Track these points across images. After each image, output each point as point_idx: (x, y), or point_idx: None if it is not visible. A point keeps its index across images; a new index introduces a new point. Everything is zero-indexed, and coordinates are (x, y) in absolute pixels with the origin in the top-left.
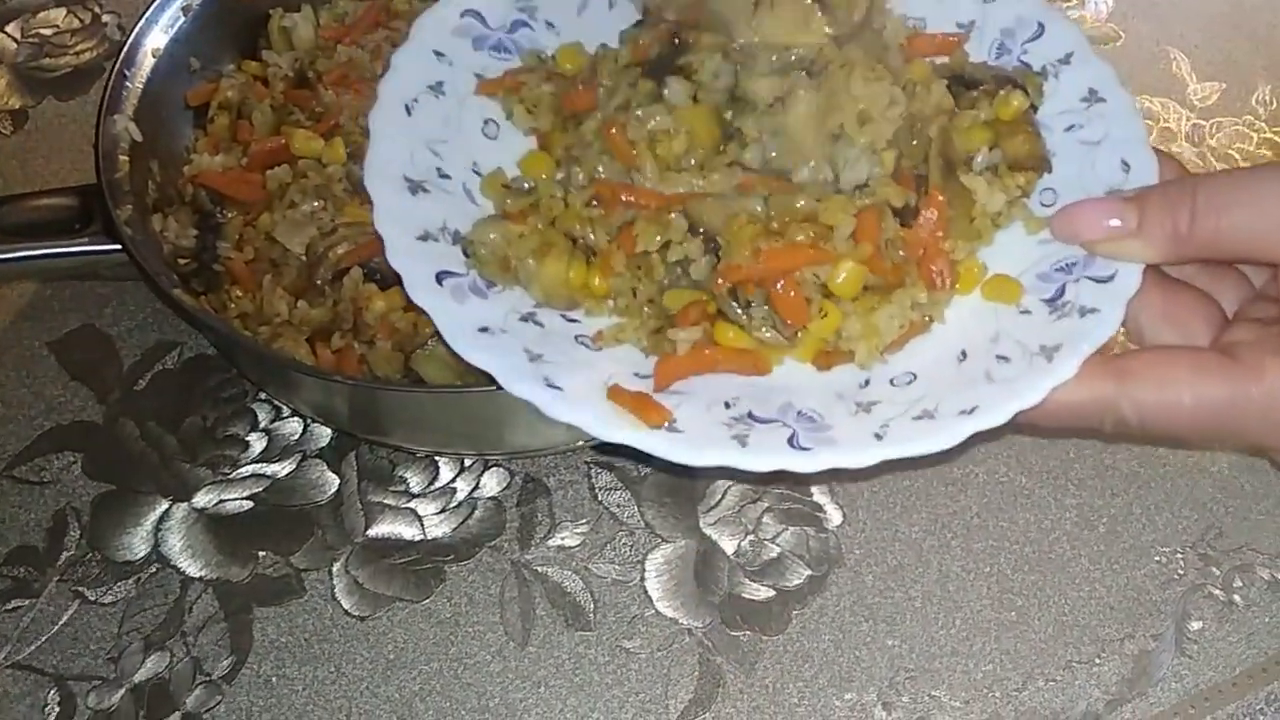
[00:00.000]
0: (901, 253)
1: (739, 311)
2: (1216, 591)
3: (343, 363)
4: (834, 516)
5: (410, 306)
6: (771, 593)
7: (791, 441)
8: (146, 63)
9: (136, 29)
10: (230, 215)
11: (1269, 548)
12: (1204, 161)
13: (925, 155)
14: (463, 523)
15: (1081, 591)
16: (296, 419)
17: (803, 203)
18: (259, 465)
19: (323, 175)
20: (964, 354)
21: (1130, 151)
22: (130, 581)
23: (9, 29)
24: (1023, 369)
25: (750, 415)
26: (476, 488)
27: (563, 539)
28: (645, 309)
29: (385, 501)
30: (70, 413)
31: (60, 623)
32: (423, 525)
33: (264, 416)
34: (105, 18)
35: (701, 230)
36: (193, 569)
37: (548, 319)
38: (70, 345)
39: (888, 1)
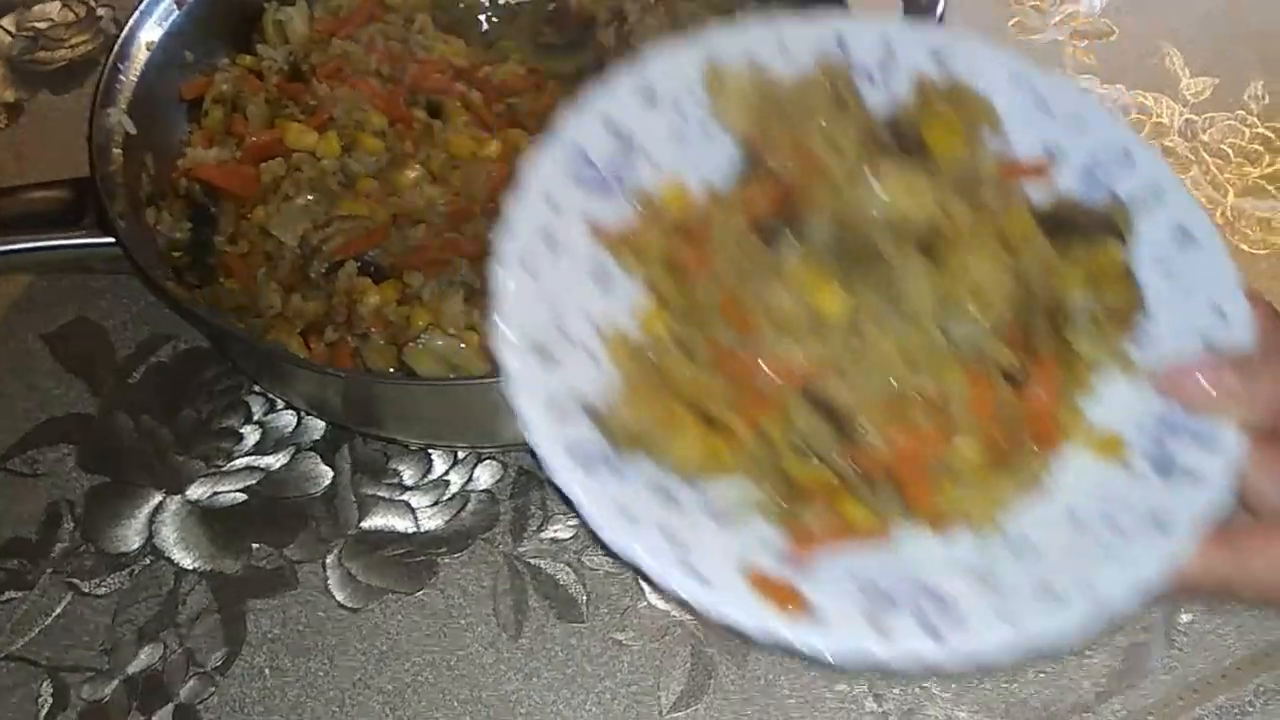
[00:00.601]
0: (1014, 417)
1: (867, 491)
2: None
3: (336, 356)
4: None
5: (404, 300)
6: None
7: (924, 624)
8: (141, 56)
9: (131, 22)
10: (224, 209)
11: None
12: (1196, 156)
13: (1032, 310)
14: (456, 515)
15: None
16: (290, 412)
17: (924, 378)
18: (253, 458)
19: (317, 169)
20: (1076, 517)
21: (1225, 299)
22: (124, 573)
23: (3, 22)
24: (1139, 542)
25: (882, 593)
26: (470, 480)
27: (555, 531)
28: (770, 477)
29: (379, 494)
30: (64, 405)
31: (53, 614)
32: (416, 518)
33: (258, 409)
34: (100, 11)
35: (830, 407)
36: (186, 561)
37: (677, 491)
38: (64, 338)
39: (984, 138)
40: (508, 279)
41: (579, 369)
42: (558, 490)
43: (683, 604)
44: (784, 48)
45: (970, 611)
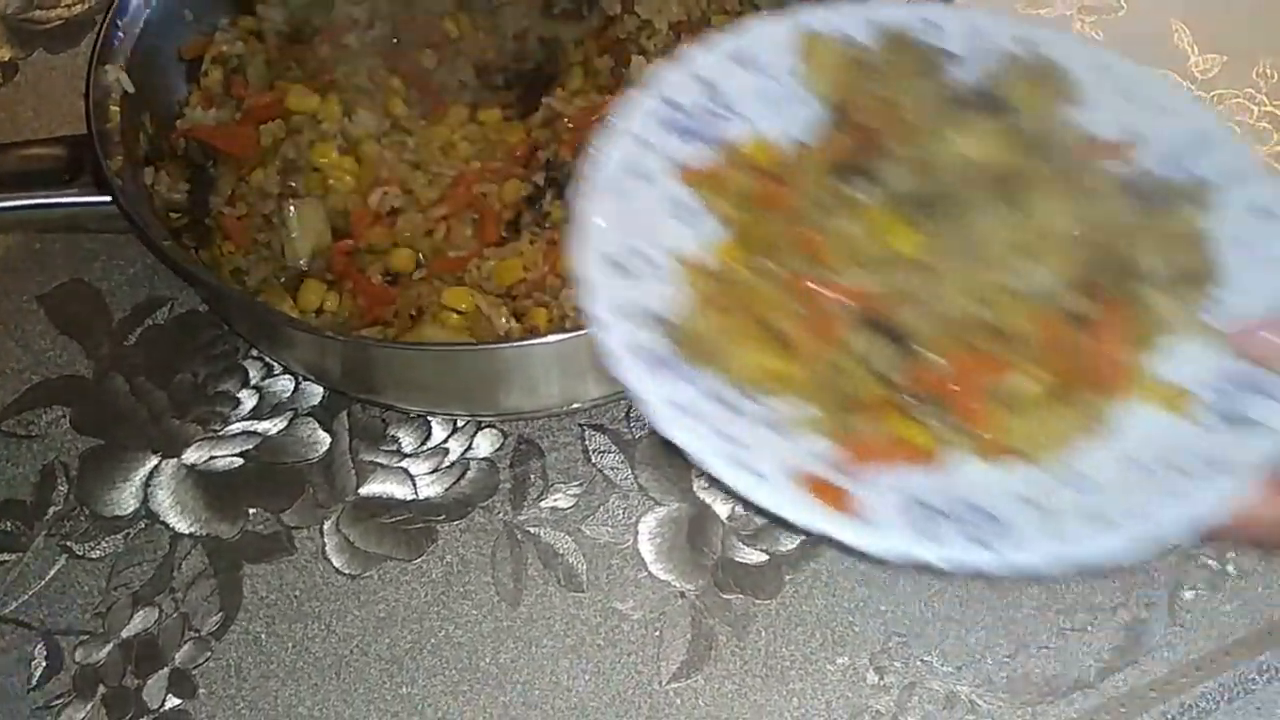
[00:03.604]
0: (1079, 360)
1: (924, 411)
2: (1210, 561)
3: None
4: None
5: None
6: (765, 557)
7: (973, 538)
8: (139, 14)
9: None
10: (223, 171)
11: None
12: None
13: (1103, 265)
14: (455, 483)
15: None
16: (288, 376)
17: (991, 313)
18: (250, 422)
19: (317, 131)
20: (1135, 459)
21: None
22: (119, 537)
23: None
24: (1197, 481)
25: (930, 507)
26: (469, 448)
27: (555, 501)
28: (829, 394)
29: (377, 460)
30: (59, 367)
31: (48, 577)
32: (415, 485)
33: (255, 374)
34: None
35: (896, 330)
36: (182, 525)
37: (737, 401)
38: (59, 299)
39: (1067, 112)
40: (592, 203)
41: (653, 286)
42: (629, 391)
43: (735, 497)
44: (874, 26)
45: (1019, 528)
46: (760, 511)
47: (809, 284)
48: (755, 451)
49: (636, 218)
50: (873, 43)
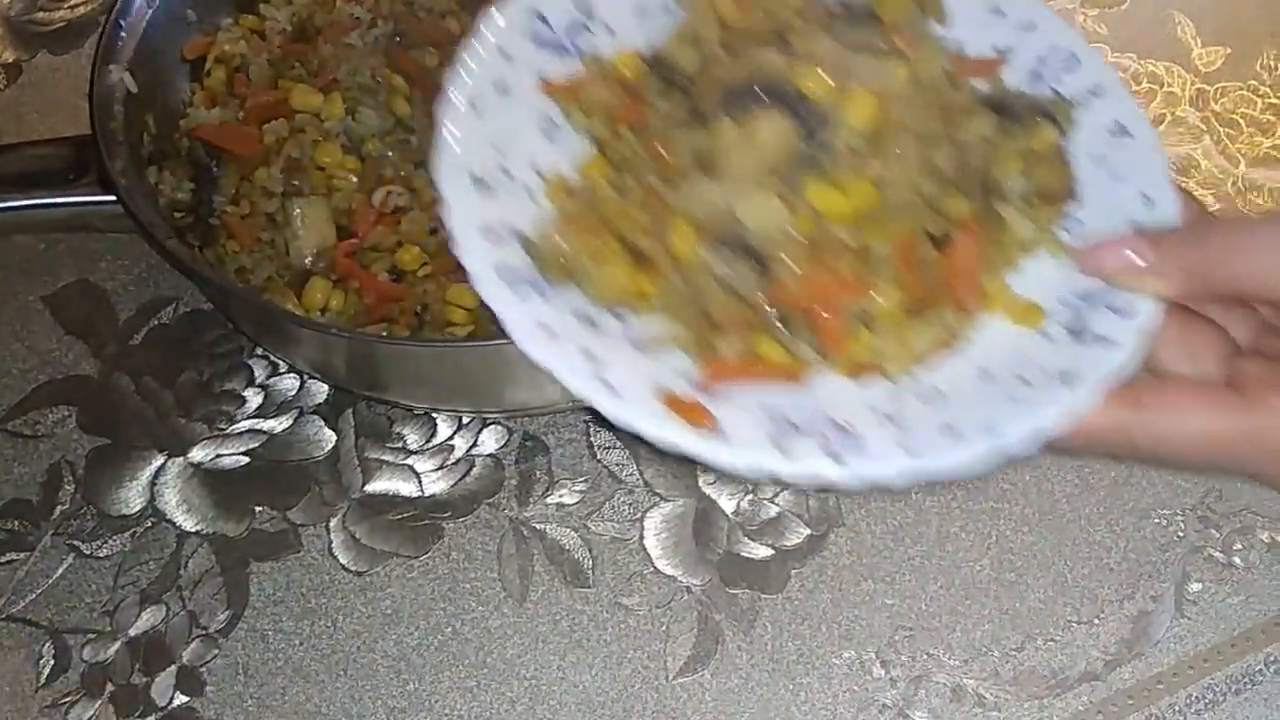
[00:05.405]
0: (936, 277)
1: (783, 331)
2: (1216, 554)
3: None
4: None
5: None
6: (770, 551)
7: (827, 450)
8: (142, 14)
9: None
10: (226, 170)
11: (1269, 510)
12: (1208, 126)
13: (964, 183)
14: (461, 480)
15: (1081, 553)
16: (293, 375)
17: (848, 232)
18: (255, 421)
19: (320, 130)
20: (988, 373)
21: (1153, 188)
22: (126, 535)
23: None
24: (1044, 394)
25: (789, 422)
26: (475, 445)
27: (561, 496)
28: (690, 313)
29: (383, 458)
30: (65, 367)
31: (55, 576)
32: (420, 482)
33: (260, 372)
34: None
35: (749, 246)
36: (189, 523)
37: (600, 319)
38: (65, 299)
39: (932, 26)
40: (454, 118)
41: (516, 203)
42: (487, 308)
43: (595, 414)
44: None
45: (872, 440)
46: (618, 429)
47: (665, 200)
48: (616, 370)
49: (500, 133)
50: None
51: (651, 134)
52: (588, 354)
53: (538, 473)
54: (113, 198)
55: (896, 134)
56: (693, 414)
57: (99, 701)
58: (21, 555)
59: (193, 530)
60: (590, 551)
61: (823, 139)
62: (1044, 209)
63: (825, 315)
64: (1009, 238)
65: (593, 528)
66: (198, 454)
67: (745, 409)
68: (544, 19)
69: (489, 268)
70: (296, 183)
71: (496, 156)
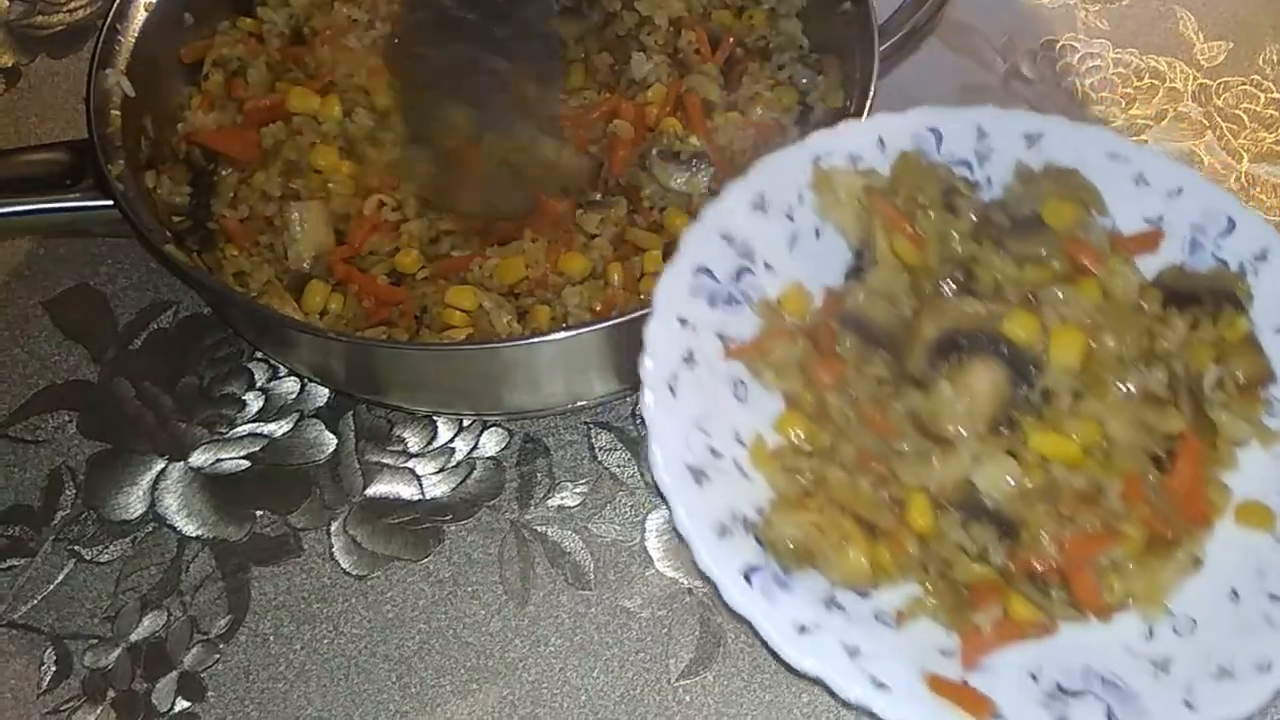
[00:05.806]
0: (1165, 501)
1: (1035, 591)
2: None
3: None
4: None
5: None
6: None
7: (1108, 717)
8: (139, 17)
9: None
10: (225, 173)
11: None
12: (1210, 121)
13: (1173, 389)
14: (461, 482)
15: None
16: (293, 378)
17: (1075, 474)
18: (256, 425)
19: (318, 133)
20: (1235, 593)
21: None
22: (126, 541)
23: None
24: None
25: (1060, 688)
26: (475, 448)
27: (562, 499)
28: (936, 580)
29: (383, 461)
30: (65, 372)
31: (56, 582)
32: (421, 485)
33: (260, 376)
34: None
35: (993, 513)
36: (189, 528)
37: (846, 600)
38: (65, 304)
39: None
40: (658, 407)
41: (731, 483)
42: (731, 611)
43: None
44: (883, 144)
45: (1148, 698)
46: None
47: (894, 471)
48: (877, 661)
49: (698, 410)
50: (884, 163)
51: (859, 397)
52: (849, 649)
53: (538, 475)
54: (110, 202)
55: (1106, 363)
56: (965, 699)
57: (100, 707)
58: (22, 561)
59: (193, 535)
60: (591, 554)
61: (1035, 382)
62: (1247, 398)
63: (1075, 569)
64: (1220, 436)
65: (594, 530)
66: (198, 458)
67: (1009, 678)
68: (709, 272)
69: (735, 574)
70: (294, 186)
71: (703, 438)
